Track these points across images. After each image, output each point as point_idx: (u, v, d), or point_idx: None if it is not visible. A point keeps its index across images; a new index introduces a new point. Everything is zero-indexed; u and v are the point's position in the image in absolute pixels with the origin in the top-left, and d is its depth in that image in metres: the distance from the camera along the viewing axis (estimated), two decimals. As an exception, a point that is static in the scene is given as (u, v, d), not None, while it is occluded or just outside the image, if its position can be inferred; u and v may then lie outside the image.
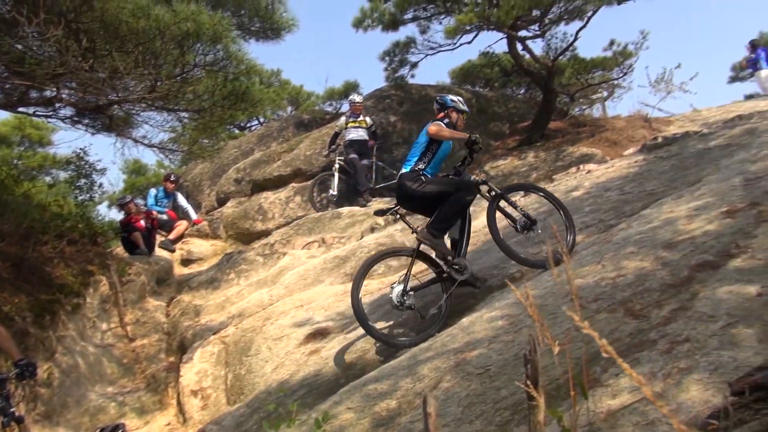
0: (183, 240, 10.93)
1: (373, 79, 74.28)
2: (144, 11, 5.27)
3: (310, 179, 11.00)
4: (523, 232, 4.81)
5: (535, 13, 10.35)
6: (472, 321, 4.04)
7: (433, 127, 4.81)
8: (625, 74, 12.76)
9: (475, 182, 5.01)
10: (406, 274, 4.69)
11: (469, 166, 5.11)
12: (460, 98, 5.43)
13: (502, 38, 10.74)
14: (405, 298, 4.57)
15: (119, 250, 9.39)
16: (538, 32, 11.10)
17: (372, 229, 8.43)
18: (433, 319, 4.56)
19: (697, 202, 4.59)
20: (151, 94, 6.07)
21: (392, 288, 4.63)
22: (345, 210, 9.64)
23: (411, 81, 12.28)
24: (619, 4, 10.00)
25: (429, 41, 11.04)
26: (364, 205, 9.75)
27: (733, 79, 21.13)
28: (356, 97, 10.78)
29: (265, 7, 7.57)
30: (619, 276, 3.69)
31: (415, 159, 4.91)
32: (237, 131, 18.34)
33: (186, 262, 10.35)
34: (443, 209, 4.61)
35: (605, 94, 14.78)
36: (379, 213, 5.13)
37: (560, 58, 11.82)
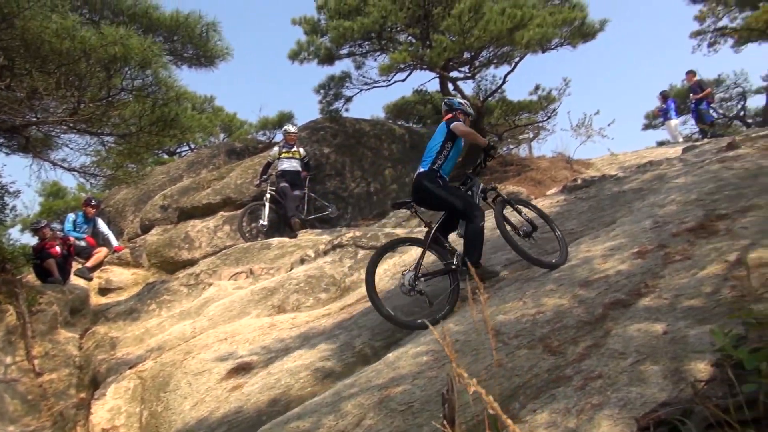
0: (102, 268, 10.39)
1: (307, 110, 74.67)
2: (69, 32, 5.08)
3: (240, 208, 10.80)
4: (525, 237, 5.17)
5: (466, 55, 10.78)
6: (397, 356, 4.05)
7: (462, 127, 5.03)
8: (549, 117, 13.51)
9: (483, 188, 5.39)
10: (418, 261, 4.94)
11: (480, 173, 5.48)
12: (467, 101, 5.67)
13: (434, 77, 11.10)
14: (416, 283, 4.83)
15: (31, 277, 8.82)
16: (468, 74, 11.55)
17: (302, 261, 8.34)
18: (440, 306, 4.77)
19: (612, 243, 4.85)
20: (73, 116, 5.82)
21: (404, 274, 4.88)
22: (275, 241, 9.51)
23: (345, 114, 12.44)
24: (543, 52, 10.58)
25: (364, 77, 11.27)
26: (294, 236, 9.66)
27: (647, 127, 22.66)
28: (290, 128, 10.76)
29: (198, 34, 7.49)
30: (539, 313, 3.81)
31: (432, 158, 5.09)
32: (166, 156, 17.83)
33: (104, 291, 9.83)
34: (469, 242, 4.92)
35: (531, 135, 15.52)
36: (396, 206, 5.44)
37: (489, 99, 12.34)
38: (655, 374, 2.63)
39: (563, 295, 3.98)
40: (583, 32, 10.59)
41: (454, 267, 4.93)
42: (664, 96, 15.63)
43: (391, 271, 6.92)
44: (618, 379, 2.69)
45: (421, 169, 5.12)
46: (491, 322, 3.97)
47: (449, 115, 5.29)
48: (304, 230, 10.10)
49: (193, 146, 17.87)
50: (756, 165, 5.99)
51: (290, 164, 10.32)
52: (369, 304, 5.85)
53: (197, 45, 7.64)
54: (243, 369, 5.44)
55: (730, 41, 17.33)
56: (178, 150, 18.26)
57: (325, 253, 8.18)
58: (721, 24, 17.00)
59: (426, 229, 5.14)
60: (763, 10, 12.45)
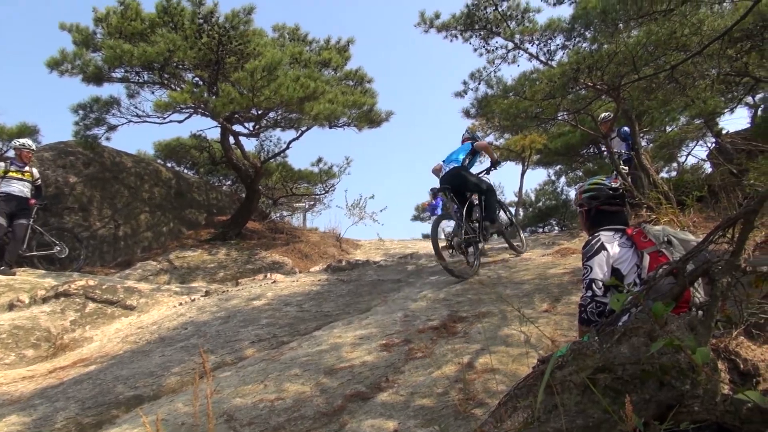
0: None
1: (59, 129, 67.10)
2: None
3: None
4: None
5: (254, 112, 10.89)
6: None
7: (483, 143, 7.91)
8: (327, 192, 14.17)
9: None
10: (457, 226, 7.16)
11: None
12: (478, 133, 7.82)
13: (216, 126, 10.93)
14: (456, 240, 7.05)
15: None
16: (252, 131, 11.64)
17: (11, 307, 7.20)
18: (471, 263, 7.12)
19: (363, 331, 5.13)
20: None
21: (452, 239, 7.08)
22: (-21, 277, 8.09)
23: (105, 143, 11.47)
24: (330, 127, 11.20)
25: (136, 107, 10.58)
26: (11, 273, 8.31)
27: (416, 218, 24.46)
28: (29, 142, 9.45)
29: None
30: (278, 399, 3.80)
31: (459, 162, 7.46)
32: None
33: None
34: (488, 206, 7.50)
35: (307, 206, 16.02)
36: (438, 190, 7.67)
37: (270, 161, 12.52)
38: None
39: (307, 382, 4.05)
40: (370, 118, 11.51)
41: (477, 238, 7.27)
42: (434, 193, 17.48)
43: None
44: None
45: (455, 165, 7.42)
46: (226, 404, 3.84)
47: (469, 139, 7.93)
48: (23, 269, 8.79)
49: None
50: (496, 275, 6.96)
51: (18, 187, 9.00)
52: (86, 369, 5.38)
53: None
54: None
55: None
56: None
57: (45, 300, 7.21)
58: (487, 139, 19.60)
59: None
60: (520, 137, 15.00)
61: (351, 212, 13.56)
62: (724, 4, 7.25)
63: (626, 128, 9.72)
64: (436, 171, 7.82)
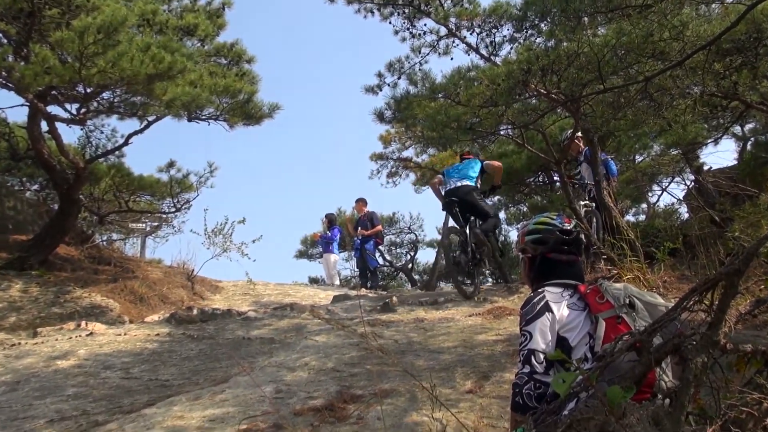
0: None
1: None
2: None
3: None
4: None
5: (80, 90, 10.52)
6: None
7: (495, 163, 10.13)
8: (179, 210, 13.81)
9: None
10: (462, 245, 9.55)
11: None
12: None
13: (23, 105, 10.46)
14: (461, 257, 9.40)
15: None
16: (76, 116, 11.21)
17: None
18: (473, 281, 9.96)
19: (216, 410, 5.00)
20: None
21: (458, 256, 9.40)
22: None
23: None
24: (190, 120, 11.00)
25: None
26: None
27: (302, 254, 24.87)
28: None
29: None
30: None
31: (473, 181, 9.61)
32: None
33: None
34: (487, 224, 9.59)
35: (148, 227, 15.57)
36: (445, 203, 9.74)
37: (100, 160, 12.09)
38: None
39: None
40: (246, 111, 11.38)
41: (478, 257, 9.53)
42: (330, 220, 17.59)
43: None
44: None
45: (468, 182, 9.51)
46: None
47: (472, 155, 10.26)
48: None
49: None
50: (407, 338, 7.03)
51: None
52: None
53: None
54: None
55: (412, 177, 20.61)
56: None
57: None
58: (406, 154, 20.09)
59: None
60: (449, 154, 15.31)
61: (211, 241, 13.25)
62: (713, 5, 7.79)
63: (602, 153, 10.16)
64: (436, 184, 9.94)
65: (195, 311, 8.84)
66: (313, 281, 22.53)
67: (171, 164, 13.43)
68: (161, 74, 9.21)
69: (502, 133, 10.23)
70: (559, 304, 3.07)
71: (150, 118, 11.32)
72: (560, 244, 3.35)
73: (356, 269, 18.24)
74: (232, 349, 7.11)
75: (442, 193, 9.80)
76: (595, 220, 9.41)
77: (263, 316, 8.94)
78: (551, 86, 7.89)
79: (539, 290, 3.18)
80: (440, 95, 9.37)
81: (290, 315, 8.97)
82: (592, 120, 9.17)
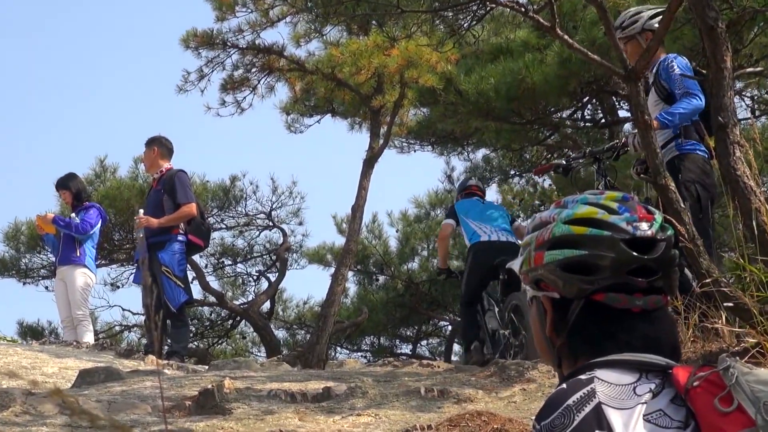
0: None
1: None
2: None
3: None
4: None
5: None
6: None
7: (524, 230, 7.15)
8: None
9: None
10: (495, 314, 8.17)
11: None
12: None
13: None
14: (490, 326, 8.55)
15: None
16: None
17: None
18: (504, 350, 8.43)
19: None
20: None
21: (496, 331, 8.26)
22: None
23: None
24: None
25: None
26: None
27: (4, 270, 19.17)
28: None
29: None
30: None
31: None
32: None
33: None
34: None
35: None
36: (498, 265, 8.15)
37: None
38: None
39: None
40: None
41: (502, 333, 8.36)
42: (75, 192, 11.42)
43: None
44: None
45: (511, 238, 7.95)
46: None
47: (482, 193, 9.05)
48: None
49: None
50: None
51: None
52: None
53: None
54: None
55: (283, 92, 15.69)
56: None
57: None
58: (267, 36, 15.17)
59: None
60: (372, 42, 9.55)
61: None
62: None
63: (682, 59, 5.60)
64: (446, 238, 8.61)
65: None
66: (35, 335, 13.11)
67: None
68: None
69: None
70: (629, 415, 1.17)
71: None
72: (629, 272, 1.26)
73: (141, 308, 10.19)
74: None
75: (469, 243, 7.87)
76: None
77: None
78: None
79: (580, 377, 1.24)
80: None
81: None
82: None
